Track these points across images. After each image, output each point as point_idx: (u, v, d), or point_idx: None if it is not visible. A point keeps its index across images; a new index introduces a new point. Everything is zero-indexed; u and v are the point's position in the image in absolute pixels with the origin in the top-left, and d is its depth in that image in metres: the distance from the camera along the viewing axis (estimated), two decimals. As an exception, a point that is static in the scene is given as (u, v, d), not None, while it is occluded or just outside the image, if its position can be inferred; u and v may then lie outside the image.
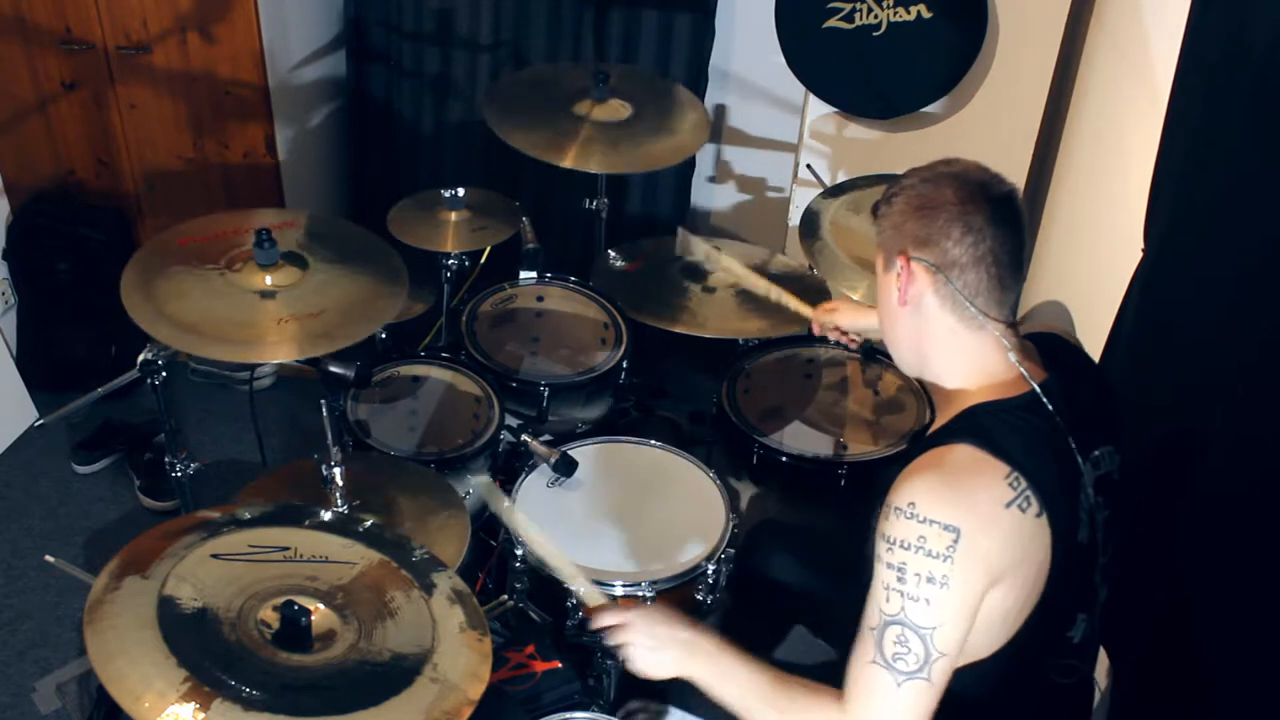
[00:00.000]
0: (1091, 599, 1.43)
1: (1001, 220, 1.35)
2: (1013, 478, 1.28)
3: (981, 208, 1.34)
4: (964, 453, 1.31)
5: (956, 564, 1.25)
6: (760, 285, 2.35)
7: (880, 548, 1.31)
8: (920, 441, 1.40)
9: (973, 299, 1.36)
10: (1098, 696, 1.63)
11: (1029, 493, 1.28)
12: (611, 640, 1.50)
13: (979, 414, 1.36)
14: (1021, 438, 1.32)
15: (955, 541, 1.25)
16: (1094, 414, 1.42)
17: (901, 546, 1.28)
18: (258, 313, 1.76)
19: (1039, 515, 1.29)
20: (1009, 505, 1.28)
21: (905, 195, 1.39)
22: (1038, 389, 1.36)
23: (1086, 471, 1.37)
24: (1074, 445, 1.35)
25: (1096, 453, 1.40)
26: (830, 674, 1.64)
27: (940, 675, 1.28)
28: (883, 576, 1.30)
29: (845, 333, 2.14)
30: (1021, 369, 1.37)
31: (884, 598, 1.30)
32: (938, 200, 1.36)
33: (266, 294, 1.79)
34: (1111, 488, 1.43)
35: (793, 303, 2.27)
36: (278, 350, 1.72)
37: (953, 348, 1.41)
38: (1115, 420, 1.48)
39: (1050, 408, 1.35)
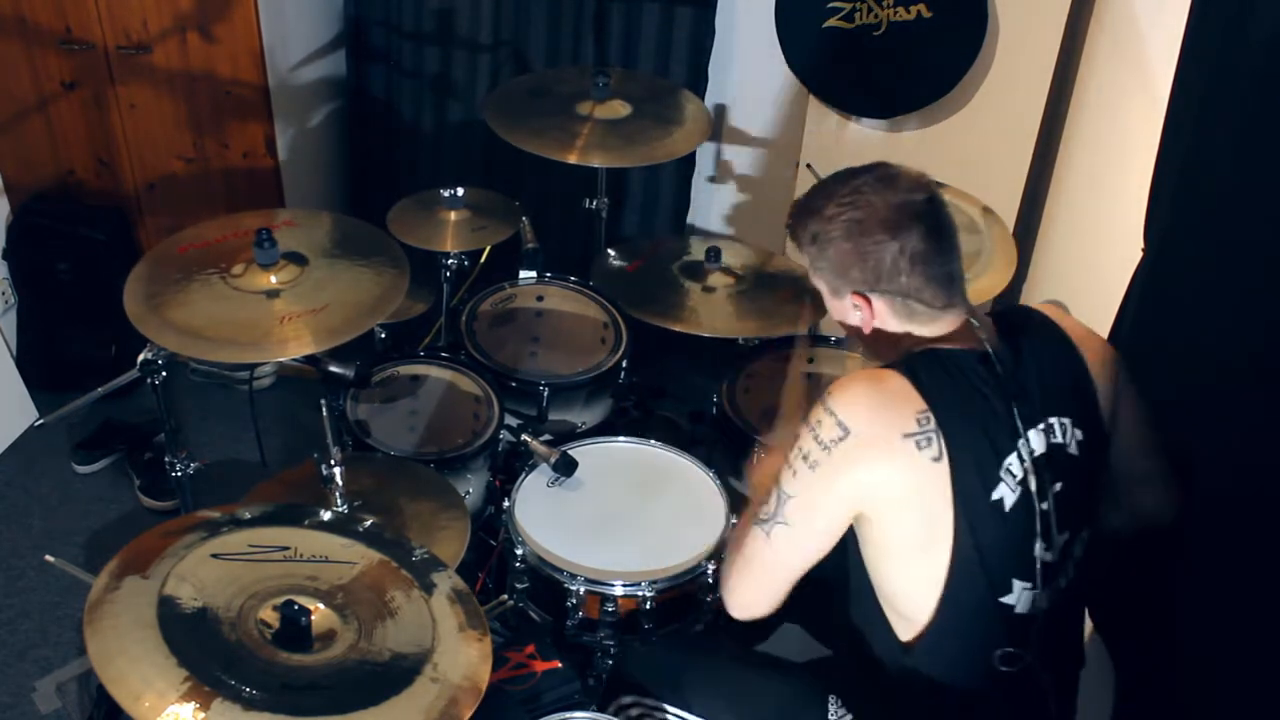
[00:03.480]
0: (1031, 568, 1.43)
1: (933, 231, 1.41)
2: (923, 416, 1.36)
3: (913, 227, 1.39)
4: (894, 378, 1.40)
5: (832, 456, 1.37)
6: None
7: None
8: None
9: (931, 305, 1.43)
10: (1094, 696, 1.63)
11: (933, 435, 1.35)
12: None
13: (924, 355, 1.43)
14: (952, 384, 1.39)
15: (840, 439, 1.36)
16: (1054, 385, 1.45)
17: (805, 423, 1.42)
18: (264, 313, 1.76)
19: (937, 459, 1.35)
20: (906, 436, 1.35)
21: (835, 239, 1.43)
22: (988, 348, 1.41)
23: (1031, 438, 1.40)
24: (1015, 409, 1.39)
25: (1048, 423, 1.43)
26: (826, 672, 1.66)
27: (780, 539, 1.44)
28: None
29: None
30: (977, 329, 1.44)
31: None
32: (871, 243, 1.40)
33: (271, 293, 1.79)
34: (1067, 460, 1.44)
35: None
36: (288, 348, 1.73)
37: (916, 333, 1.47)
38: (1084, 396, 1.48)
39: (995, 366, 1.40)
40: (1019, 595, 1.43)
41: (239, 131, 2.87)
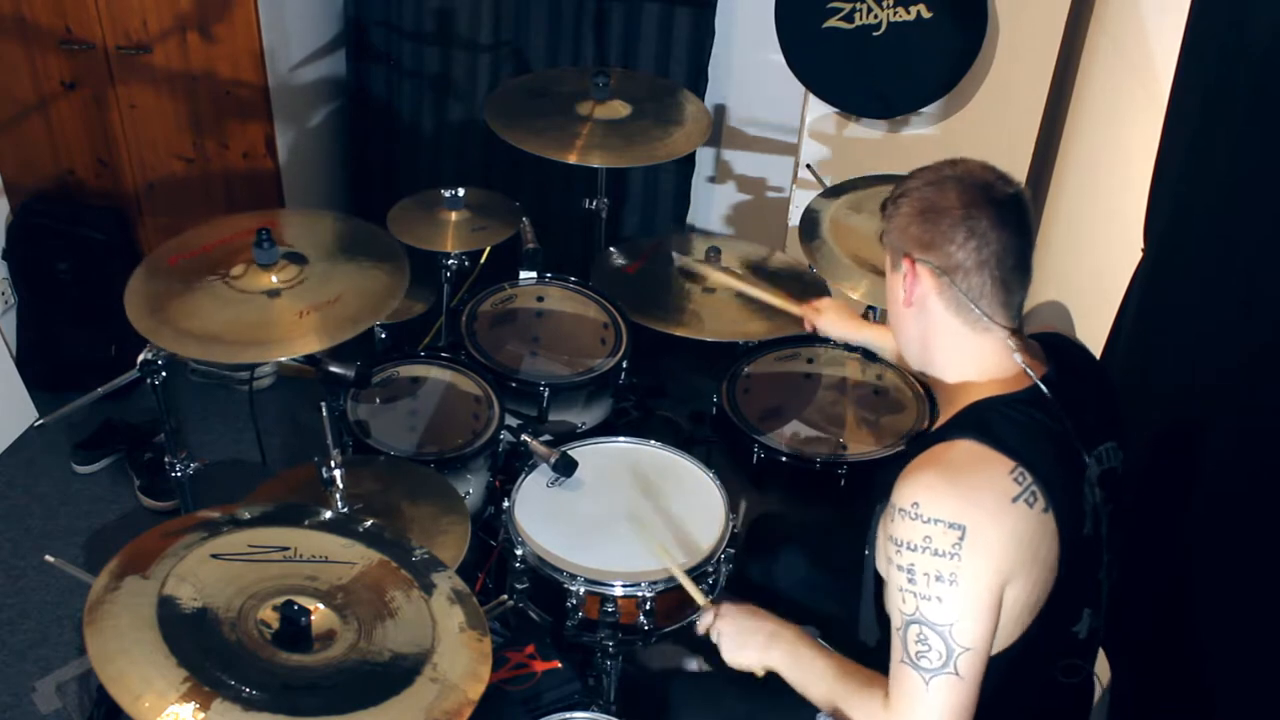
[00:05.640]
0: (1096, 594, 1.43)
1: (1005, 223, 1.35)
2: (1018, 472, 1.28)
3: (985, 211, 1.34)
4: (966, 449, 1.31)
5: (964, 560, 1.26)
6: (752, 290, 2.32)
7: (889, 550, 1.32)
8: (923, 439, 1.40)
9: (977, 302, 1.37)
10: (1097, 695, 1.63)
11: (1034, 488, 1.28)
12: (710, 635, 1.62)
13: (981, 409, 1.36)
14: (1024, 432, 1.32)
15: (961, 539, 1.26)
16: (1097, 410, 1.43)
17: (909, 548, 1.29)
18: (272, 311, 1.75)
19: (1045, 510, 1.29)
20: (1015, 500, 1.28)
21: (911, 198, 1.40)
22: (1039, 383, 1.36)
23: (1090, 465, 1.37)
24: (1077, 439, 1.36)
25: (1100, 448, 1.41)
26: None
27: (969, 669, 1.29)
28: (895, 578, 1.32)
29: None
30: (1025, 366, 1.38)
31: (900, 599, 1.31)
32: (942, 204, 1.36)
33: (272, 293, 1.79)
34: (1115, 483, 1.43)
35: (782, 303, 2.21)
36: (307, 343, 1.71)
37: (956, 347, 1.41)
38: (1118, 417, 1.48)
39: (1053, 401, 1.35)
40: (1084, 622, 1.42)
41: (239, 132, 2.87)
